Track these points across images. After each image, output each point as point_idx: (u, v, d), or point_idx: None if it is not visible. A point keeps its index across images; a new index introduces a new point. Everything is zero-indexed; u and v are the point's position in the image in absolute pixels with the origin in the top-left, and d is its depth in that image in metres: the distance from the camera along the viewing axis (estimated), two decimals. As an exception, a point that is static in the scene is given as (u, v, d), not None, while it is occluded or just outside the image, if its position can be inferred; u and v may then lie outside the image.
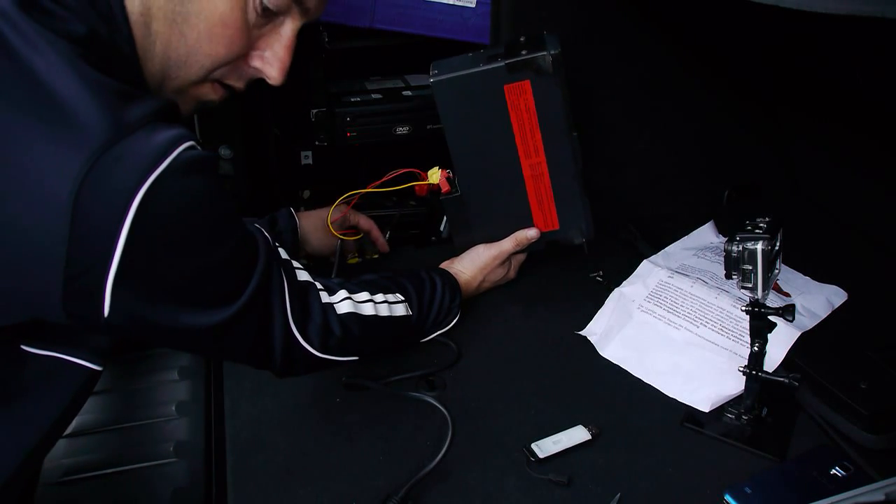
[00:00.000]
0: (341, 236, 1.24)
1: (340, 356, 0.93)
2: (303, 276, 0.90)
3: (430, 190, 1.18)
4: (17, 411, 0.73)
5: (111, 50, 0.71)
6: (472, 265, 1.19)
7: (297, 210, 1.24)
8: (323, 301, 0.90)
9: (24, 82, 0.62)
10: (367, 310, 0.96)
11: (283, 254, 0.88)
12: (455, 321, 1.13)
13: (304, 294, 0.88)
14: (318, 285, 0.91)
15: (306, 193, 1.43)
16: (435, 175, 1.16)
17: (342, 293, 0.94)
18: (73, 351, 0.74)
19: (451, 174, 1.16)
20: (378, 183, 1.18)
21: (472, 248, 1.20)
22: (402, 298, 1.03)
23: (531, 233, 1.18)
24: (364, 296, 0.97)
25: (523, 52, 1.05)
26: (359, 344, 0.95)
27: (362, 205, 1.28)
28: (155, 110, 0.67)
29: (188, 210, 0.68)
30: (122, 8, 0.72)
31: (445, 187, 1.16)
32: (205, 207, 0.70)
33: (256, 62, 0.83)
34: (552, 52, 1.03)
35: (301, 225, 1.22)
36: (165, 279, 0.70)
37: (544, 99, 1.06)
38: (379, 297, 0.99)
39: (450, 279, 1.12)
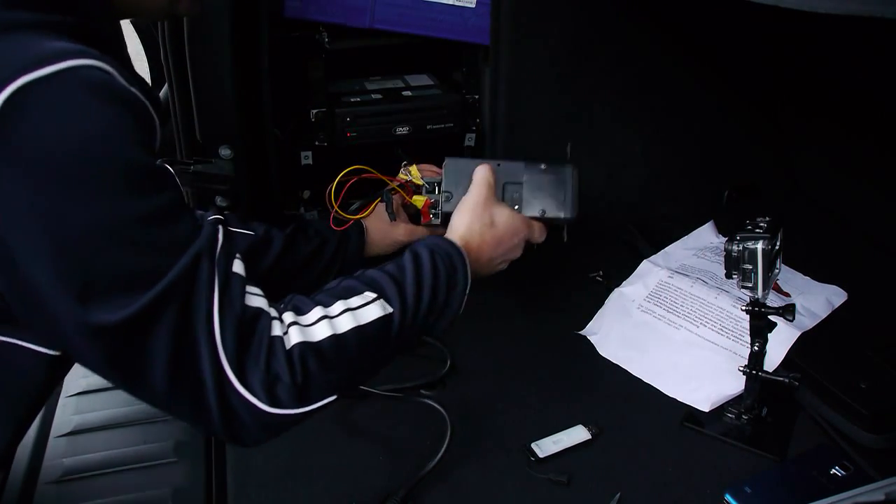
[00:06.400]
0: (349, 216, 1.11)
1: (304, 406, 0.69)
2: (255, 301, 0.69)
3: (411, 206, 1.14)
4: None
5: None
6: (459, 218, 0.91)
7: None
8: (272, 334, 0.68)
9: None
10: (319, 333, 0.70)
11: (238, 266, 0.69)
12: (466, 298, 0.82)
13: (252, 322, 0.67)
14: (272, 313, 0.70)
15: (306, 193, 1.42)
16: (420, 201, 1.13)
17: (289, 315, 0.71)
18: (25, 335, 0.70)
19: (434, 203, 1.07)
20: (374, 175, 1.15)
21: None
22: (374, 296, 0.75)
23: None
24: (313, 315, 0.71)
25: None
26: (324, 380, 0.70)
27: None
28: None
29: (65, 130, 0.58)
30: None
31: (426, 218, 1.10)
32: (87, 131, 0.59)
33: None
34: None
35: (368, 242, 1.12)
36: (34, 212, 0.58)
37: None
38: (336, 307, 0.73)
39: (435, 242, 0.84)
